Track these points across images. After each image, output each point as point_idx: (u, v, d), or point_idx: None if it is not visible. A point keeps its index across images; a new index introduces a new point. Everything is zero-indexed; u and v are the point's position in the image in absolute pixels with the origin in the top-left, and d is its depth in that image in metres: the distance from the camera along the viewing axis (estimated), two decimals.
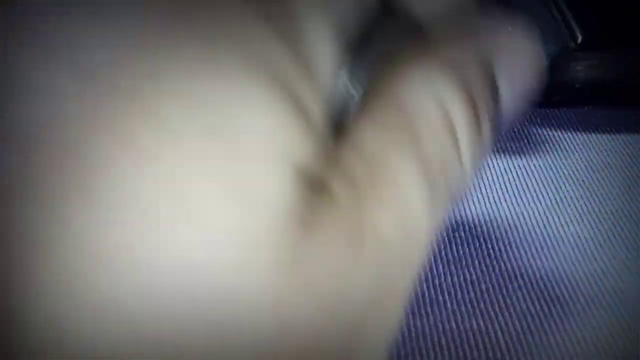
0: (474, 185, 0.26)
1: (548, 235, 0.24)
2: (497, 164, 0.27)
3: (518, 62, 0.13)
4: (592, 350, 0.19)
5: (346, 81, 0.11)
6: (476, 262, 0.23)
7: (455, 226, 0.25)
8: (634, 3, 0.29)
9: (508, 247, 0.24)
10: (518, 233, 0.25)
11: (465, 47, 0.12)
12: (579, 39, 0.28)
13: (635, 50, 0.29)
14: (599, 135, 0.30)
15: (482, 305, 0.21)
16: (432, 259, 0.23)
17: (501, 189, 0.27)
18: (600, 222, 0.25)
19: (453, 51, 0.11)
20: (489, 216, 0.25)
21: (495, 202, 0.26)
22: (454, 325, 0.20)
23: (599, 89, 0.30)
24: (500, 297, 0.21)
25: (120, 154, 0.07)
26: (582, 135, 0.30)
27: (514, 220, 0.25)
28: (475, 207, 0.26)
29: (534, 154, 0.29)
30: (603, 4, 0.29)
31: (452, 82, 0.11)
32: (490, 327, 0.20)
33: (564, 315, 0.21)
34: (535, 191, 0.26)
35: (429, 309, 0.21)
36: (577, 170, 0.28)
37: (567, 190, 0.27)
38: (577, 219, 0.25)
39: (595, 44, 0.29)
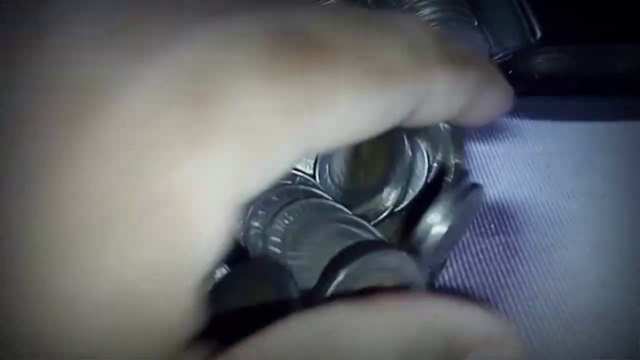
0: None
1: (507, 212, 0.27)
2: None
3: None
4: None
5: None
6: None
7: None
8: (588, 2, 0.31)
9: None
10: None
11: None
12: (538, 35, 0.30)
13: (589, 45, 0.32)
14: (554, 123, 0.32)
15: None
16: None
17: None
18: (554, 202, 0.28)
19: None
20: None
21: None
22: None
23: (555, 80, 0.33)
24: None
25: None
26: (540, 122, 0.33)
27: None
28: None
29: (496, 140, 0.31)
30: (561, 2, 0.31)
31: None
32: None
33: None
34: (495, 174, 0.29)
35: None
36: (533, 155, 0.31)
37: (525, 174, 0.29)
38: (532, 200, 0.28)
39: (553, 39, 0.31)
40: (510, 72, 0.33)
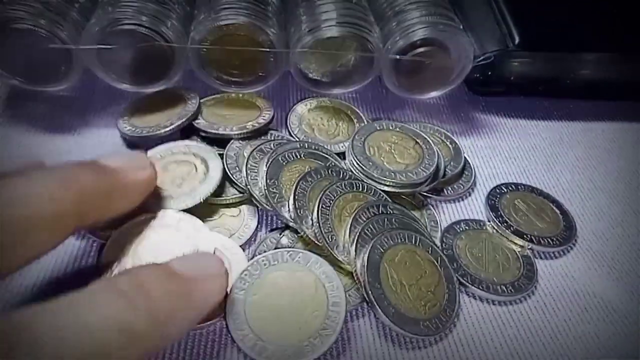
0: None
1: (483, 200, 0.30)
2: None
3: None
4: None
5: None
6: None
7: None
8: (563, 13, 0.35)
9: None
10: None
11: None
12: (517, 41, 0.33)
13: (562, 52, 0.35)
14: (529, 121, 0.36)
15: None
16: None
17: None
18: None
19: None
20: None
21: None
22: None
23: (529, 82, 0.36)
24: None
25: None
26: (516, 120, 0.36)
27: None
28: None
29: (477, 135, 0.34)
30: (538, 12, 0.35)
31: None
32: None
33: None
34: (476, 167, 0.32)
35: None
36: (511, 150, 0.34)
37: (502, 167, 0.32)
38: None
39: (529, 45, 0.34)
40: (490, 73, 0.36)
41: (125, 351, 0.16)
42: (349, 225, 0.25)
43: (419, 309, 0.23)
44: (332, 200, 0.26)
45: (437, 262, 0.25)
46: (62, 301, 0.16)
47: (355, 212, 0.25)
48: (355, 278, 0.23)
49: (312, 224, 0.25)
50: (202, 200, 0.26)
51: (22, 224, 0.17)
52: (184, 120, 0.30)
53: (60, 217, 0.19)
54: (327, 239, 0.24)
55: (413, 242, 0.25)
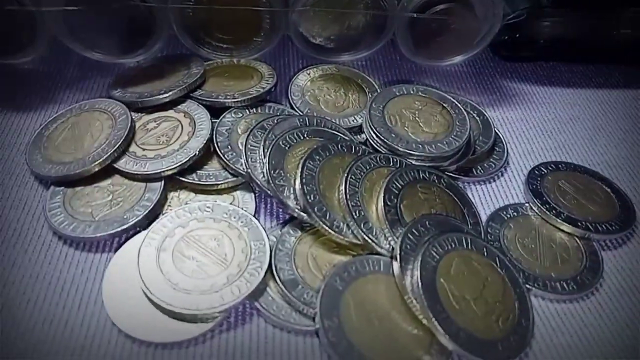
0: None
1: (519, 181, 0.25)
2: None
3: None
4: None
5: None
6: None
7: None
8: None
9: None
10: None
11: None
12: None
13: (598, 11, 0.31)
14: (565, 89, 0.31)
15: None
16: None
17: None
18: None
19: None
20: None
21: None
22: None
23: (566, 45, 0.31)
24: None
25: None
26: (550, 88, 0.31)
27: None
28: None
29: (507, 106, 0.30)
30: None
31: None
32: None
33: None
34: (507, 142, 0.28)
35: None
36: (546, 122, 0.29)
37: (537, 142, 0.28)
38: None
39: (565, 1, 0.30)
40: (519, 35, 0.32)
41: None
42: (381, 198, 0.21)
43: (491, 326, 0.18)
44: (364, 173, 0.22)
45: (497, 264, 0.20)
46: None
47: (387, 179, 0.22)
48: (409, 302, 0.19)
49: (340, 197, 0.21)
50: (197, 154, 0.23)
51: None
52: (186, 85, 0.26)
53: None
54: (354, 214, 0.20)
55: (465, 245, 0.20)
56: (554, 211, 0.23)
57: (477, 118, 0.28)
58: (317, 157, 0.22)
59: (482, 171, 0.26)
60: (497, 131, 0.27)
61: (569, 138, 0.28)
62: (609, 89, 0.31)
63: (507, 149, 0.27)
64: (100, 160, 0.23)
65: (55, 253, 0.21)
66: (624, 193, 0.25)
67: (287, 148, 0.23)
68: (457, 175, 0.25)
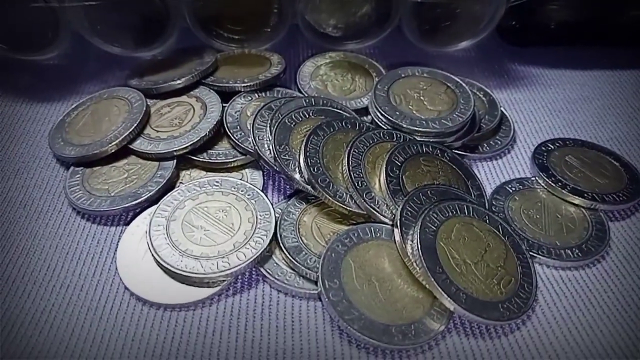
0: None
1: (526, 158, 0.25)
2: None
3: None
4: None
5: None
6: None
7: None
8: None
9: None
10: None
11: None
12: None
13: None
14: (574, 72, 0.31)
15: None
16: None
17: None
18: None
19: None
20: None
21: None
22: None
23: (575, 29, 0.32)
24: None
25: None
26: (559, 71, 0.31)
27: None
28: None
29: (515, 88, 0.30)
30: None
31: None
32: None
33: None
34: (515, 122, 0.28)
35: None
36: (555, 102, 0.29)
37: (545, 121, 0.28)
38: None
39: None
40: (527, 19, 0.32)
41: None
42: (383, 170, 0.22)
43: (493, 289, 0.19)
44: (367, 147, 0.23)
45: (499, 230, 0.21)
46: None
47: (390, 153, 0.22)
48: (409, 265, 0.19)
49: (343, 169, 0.22)
50: (207, 134, 0.24)
51: None
52: (198, 72, 0.27)
53: None
54: (356, 184, 0.21)
55: (466, 212, 0.21)
56: (559, 183, 0.23)
57: (483, 98, 0.28)
58: (322, 133, 0.23)
59: (488, 148, 0.26)
60: (504, 111, 0.28)
61: (577, 117, 0.28)
62: (619, 69, 0.31)
63: (514, 127, 0.27)
64: (117, 141, 0.24)
65: (73, 226, 0.22)
66: (633, 166, 0.25)
67: (292, 125, 0.24)
68: (463, 153, 0.25)
